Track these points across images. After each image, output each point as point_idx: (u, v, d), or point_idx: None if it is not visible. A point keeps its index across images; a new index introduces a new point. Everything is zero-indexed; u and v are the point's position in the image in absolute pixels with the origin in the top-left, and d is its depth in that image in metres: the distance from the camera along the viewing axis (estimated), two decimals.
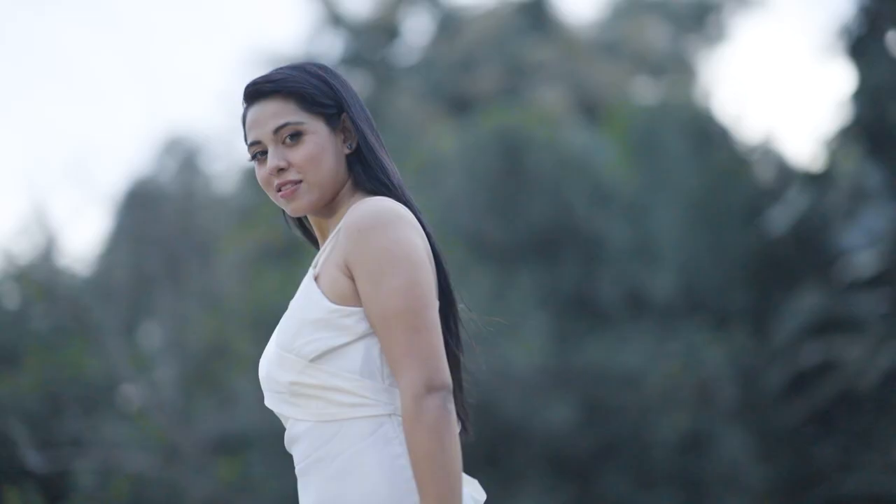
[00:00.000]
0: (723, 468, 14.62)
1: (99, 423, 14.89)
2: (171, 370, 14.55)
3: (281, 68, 2.77)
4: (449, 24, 23.33)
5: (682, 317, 15.49)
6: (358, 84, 24.24)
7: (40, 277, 17.26)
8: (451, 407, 2.46)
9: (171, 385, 14.48)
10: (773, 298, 15.40)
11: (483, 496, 2.69)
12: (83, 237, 34.64)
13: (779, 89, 28.32)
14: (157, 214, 18.16)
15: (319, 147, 2.70)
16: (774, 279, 15.67)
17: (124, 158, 36.10)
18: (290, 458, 2.73)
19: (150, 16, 33.68)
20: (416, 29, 24.22)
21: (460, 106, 21.03)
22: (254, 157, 2.76)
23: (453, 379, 2.64)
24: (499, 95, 20.58)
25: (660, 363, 14.87)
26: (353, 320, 2.57)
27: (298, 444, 2.64)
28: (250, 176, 24.90)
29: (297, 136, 2.70)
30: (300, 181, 2.71)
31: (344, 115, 2.74)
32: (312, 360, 2.59)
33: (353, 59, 23.95)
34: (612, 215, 15.96)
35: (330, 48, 24.48)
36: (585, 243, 15.76)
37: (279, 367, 2.64)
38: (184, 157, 27.20)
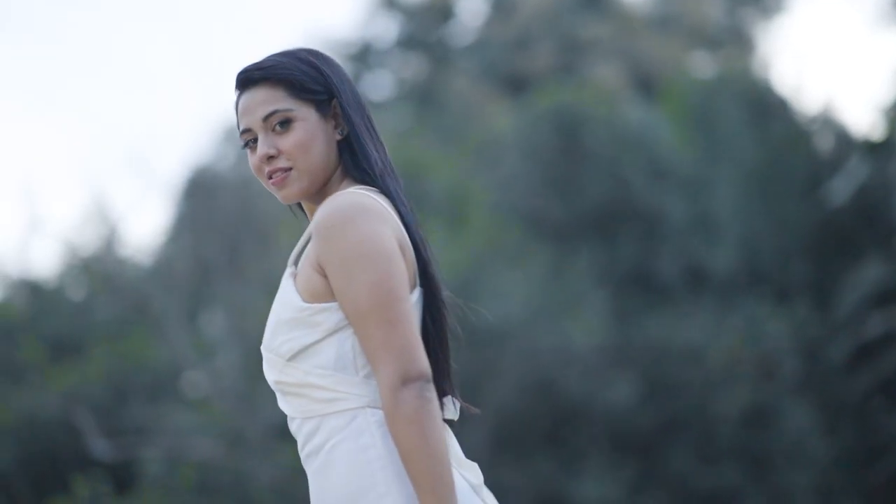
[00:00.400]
0: (787, 442, 14.54)
1: (164, 411, 15.02)
2: (234, 357, 14.64)
3: (272, 55, 2.77)
4: (503, 3, 23.29)
5: (743, 291, 15.41)
6: (413, 67, 24.28)
7: (103, 268, 17.43)
8: (430, 395, 2.47)
9: (234, 372, 14.57)
10: (835, 270, 15.28)
11: (480, 479, 2.68)
12: (144, 227, 34.91)
13: (837, 58, 28.05)
14: (217, 202, 18.24)
15: (309, 134, 2.70)
16: (836, 250, 15.54)
17: (184, 147, 36.36)
18: None
19: (208, 4, 33.85)
20: (471, 9, 24.20)
21: (516, 85, 21.00)
22: (246, 145, 2.76)
23: (442, 365, 2.65)
24: (554, 73, 20.53)
25: (721, 338, 14.81)
26: (323, 317, 2.58)
27: (297, 440, 2.69)
28: None
29: (286, 123, 2.70)
30: (290, 168, 2.71)
31: (334, 101, 2.74)
32: (289, 360, 2.62)
33: (409, 41, 23.97)
34: (670, 190, 15.89)
35: (385, 31, 24.51)
36: (644, 219, 15.70)
37: (267, 366, 2.70)
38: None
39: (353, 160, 2.72)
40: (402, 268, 2.56)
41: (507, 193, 16.09)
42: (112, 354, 16.06)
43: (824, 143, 16.94)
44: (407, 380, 2.46)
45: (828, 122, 17.03)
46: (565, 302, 14.82)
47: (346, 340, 2.57)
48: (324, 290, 2.58)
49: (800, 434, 14.53)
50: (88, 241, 18.90)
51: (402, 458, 2.47)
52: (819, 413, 14.74)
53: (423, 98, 22.60)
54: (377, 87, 25.12)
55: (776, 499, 14.53)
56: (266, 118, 2.71)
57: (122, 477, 15.41)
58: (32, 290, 18.74)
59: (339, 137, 2.73)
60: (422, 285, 2.66)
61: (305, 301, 2.60)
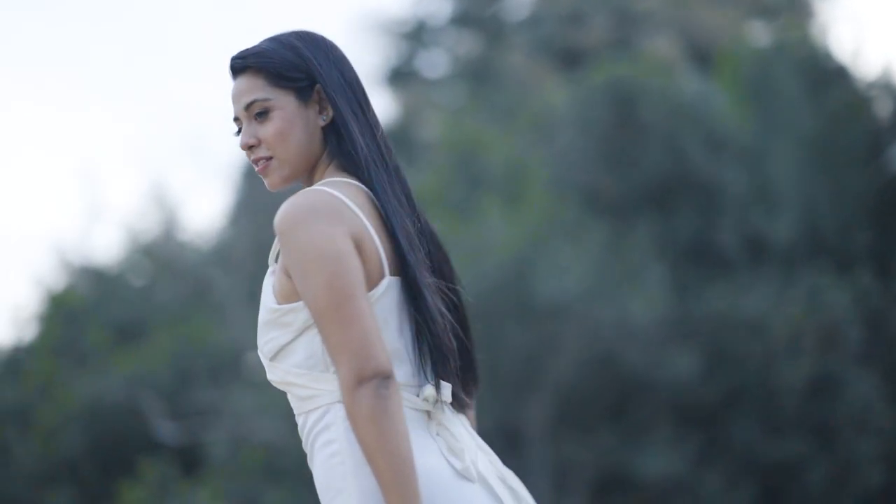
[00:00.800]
0: (852, 411, 14.46)
1: (227, 393, 15.12)
2: None
3: (261, 41, 2.77)
4: None
5: (804, 261, 15.31)
6: (468, 43, 24.24)
7: (164, 253, 17.56)
8: (387, 392, 2.46)
9: None
10: None
11: (492, 469, 2.68)
12: (204, 211, 35.10)
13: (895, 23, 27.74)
14: None
15: (287, 123, 2.69)
16: None
17: None
18: None
19: None
20: None
21: (571, 59, 20.93)
22: (238, 132, 2.79)
23: (434, 350, 2.61)
24: (609, 46, 20.44)
25: (783, 309, 14.73)
26: (292, 317, 2.60)
27: None
28: None
29: (264, 113, 2.71)
30: (271, 157, 2.72)
31: (317, 86, 2.72)
32: (271, 360, 2.66)
33: (463, 18, 23.94)
34: (728, 161, 15.80)
35: (439, 9, 24.49)
36: (702, 191, 15.63)
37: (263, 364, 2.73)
38: None
39: (340, 145, 2.71)
40: (355, 266, 2.54)
41: (564, 169, 16.05)
42: (174, 338, 16.19)
43: (884, 110, 16.78)
44: (362, 378, 2.46)
45: (887, 87, 16.86)
46: (624, 276, 14.79)
47: (315, 338, 2.58)
48: (291, 290, 2.60)
49: (864, 403, 14.44)
50: (149, 227, 19.04)
51: (365, 456, 2.48)
52: (884, 382, 14.65)
53: (477, 75, 22.58)
54: (432, 65, 25.11)
55: (842, 468, 14.46)
56: (247, 107, 2.73)
57: (188, 459, 15.54)
58: (95, 277, 18.91)
59: (323, 123, 2.72)
60: (400, 273, 2.63)
61: (278, 302, 2.62)
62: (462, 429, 2.66)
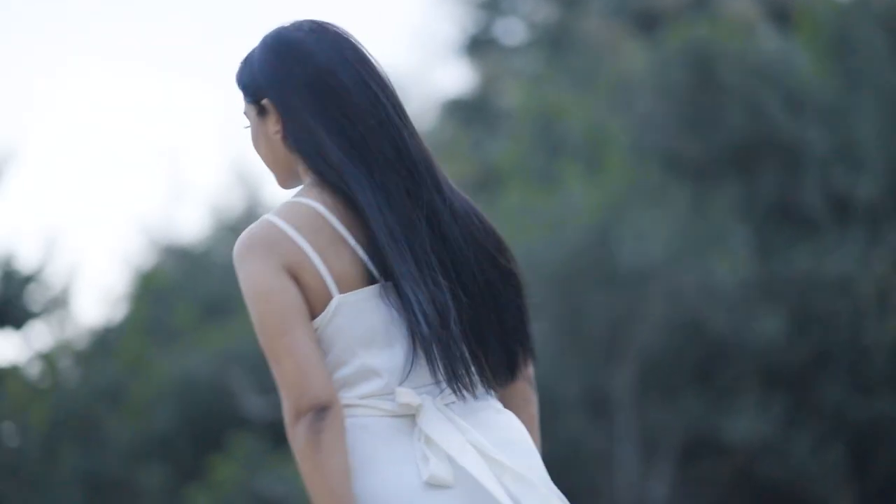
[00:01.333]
0: None
1: None
2: None
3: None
4: None
5: (890, 218, 15.14)
6: (544, 10, 24.17)
7: None
8: (322, 426, 2.43)
9: None
10: None
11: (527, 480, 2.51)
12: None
13: None
14: None
15: (253, 137, 2.69)
16: None
17: None
18: None
19: None
20: None
21: (648, 23, 20.79)
22: None
23: (432, 355, 2.51)
24: (687, 9, 20.28)
25: (870, 267, 14.59)
26: None
27: None
28: (447, 112, 25.08)
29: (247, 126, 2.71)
30: None
31: (265, 100, 2.64)
32: None
33: None
34: (810, 120, 15.65)
35: None
36: (784, 151, 15.50)
37: None
38: None
39: (302, 159, 2.65)
40: (285, 301, 2.49)
41: (644, 133, 15.98)
42: None
43: None
44: (298, 414, 2.44)
45: None
46: (708, 239, 14.71)
47: None
48: None
49: None
50: (233, 205, 19.22)
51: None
52: None
53: (555, 41, 22.51)
54: (509, 32, 25.08)
55: None
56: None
57: (278, 434, 15.67)
58: (181, 256, 19.15)
59: (279, 135, 2.64)
60: (384, 277, 2.54)
61: None
62: (448, 426, 2.51)
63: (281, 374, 2.47)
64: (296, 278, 2.50)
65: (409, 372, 2.52)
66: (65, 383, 17.67)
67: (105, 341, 18.58)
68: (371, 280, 2.54)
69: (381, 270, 2.54)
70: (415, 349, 2.52)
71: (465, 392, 2.54)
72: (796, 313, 14.59)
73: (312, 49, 2.62)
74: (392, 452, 2.49)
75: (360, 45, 2.66)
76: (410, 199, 2.58)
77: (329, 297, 2.51)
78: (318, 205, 2.55)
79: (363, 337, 2.52)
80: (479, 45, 24.72)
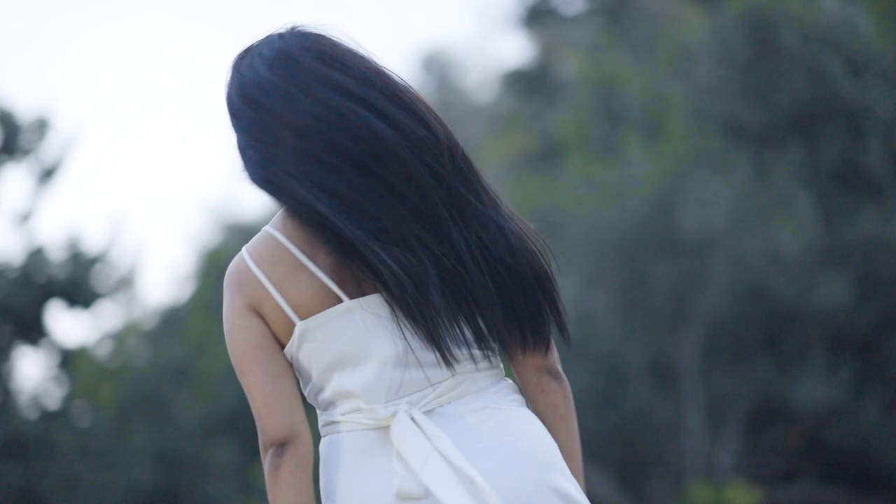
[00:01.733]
0: None
1: None
2: None
3: None
4: None
5: None
6: None
7: None
8: (281, 461, 2.47)
9: None
10: None
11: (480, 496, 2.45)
12: None
13: None
14: None
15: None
16: None
17: None
18: None
19: None
20: None
21: None
22: None
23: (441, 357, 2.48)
24: None
25: None
26: None
27: None
28: (507, 83, 25.07)
29: None
30: None
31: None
32: None
33: None
34: (872, 83, 15.51)
35: None
36: (847, 115, 15.37)
37: None
38: (440, 72, 27.49)
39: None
40: (246, 339, 2.53)
41: (705, 100, 15.90)
42: None
43: None
44: (263, 448, 2.49)
45: None
46: (771, 205, 14.64)
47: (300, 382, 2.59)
48: None
49: None
50: None
51: None
52: None
53: (613, 10, 22.41)
54: (567, 2, 24.98)
55: None
56: None
57: None
58: (245, 235, 19.25)
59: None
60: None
61: None
62: (417, 438, 2.46)
63: (252, 409, 2.51)
64: (259, 313, 2.52)
65: (401, 380, 2.48)
66: (133, 363, 17.86)
67: (172, 320, 18.76)
68: (338, 301, 2.49)
69: (351, 287, 2.49)
70: (396, 317, 2.47)
71: (455, 364, 2.48)
72: (862, 277, 14.50)
73: (275, 55, 2.53)
74: (371, 465, 2.49)
75: (327, 50, 2.54)
76: (396, 198, 2.45)
77: (292, 326, 2.50)
78: (278, 233, 2.52)
79: (333, 360, 2.50)
80: (537, 16, 24.66)
